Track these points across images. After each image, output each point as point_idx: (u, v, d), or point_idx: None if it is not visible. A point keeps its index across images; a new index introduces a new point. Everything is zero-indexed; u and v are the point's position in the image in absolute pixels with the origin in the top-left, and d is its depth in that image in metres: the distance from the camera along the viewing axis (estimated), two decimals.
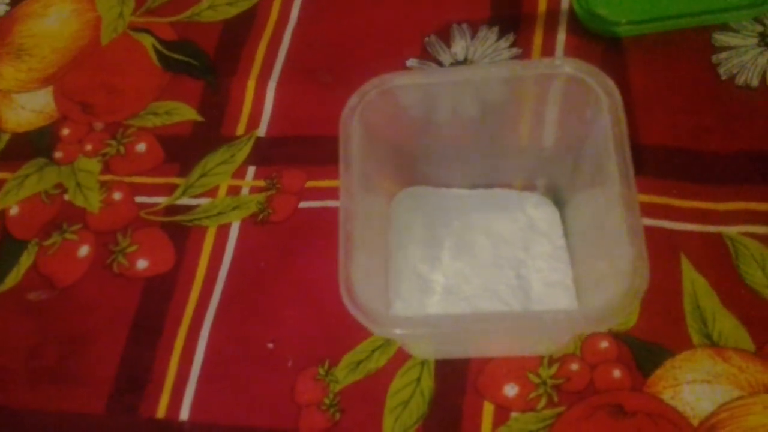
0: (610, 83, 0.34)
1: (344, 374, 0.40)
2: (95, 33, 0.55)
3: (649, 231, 0.36)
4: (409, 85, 0.36)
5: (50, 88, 0.54)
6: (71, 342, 0.44)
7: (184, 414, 0.41)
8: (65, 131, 0.51)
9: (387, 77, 0.36)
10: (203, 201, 0.47)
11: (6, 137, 0.52)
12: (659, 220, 0.41)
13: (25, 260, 0.47)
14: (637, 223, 0.31)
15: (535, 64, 0.37)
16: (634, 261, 0.30)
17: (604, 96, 0.33)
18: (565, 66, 0.34)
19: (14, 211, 0.49)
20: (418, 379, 0.39)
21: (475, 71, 0.37)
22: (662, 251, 0.40)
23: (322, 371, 0.40)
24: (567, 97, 0.36)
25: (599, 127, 0.34)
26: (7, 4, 0.59)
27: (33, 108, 0.53)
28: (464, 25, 0.50)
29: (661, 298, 0.39)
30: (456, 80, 0.36)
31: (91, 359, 0.43)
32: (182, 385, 0.41)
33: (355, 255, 0.32)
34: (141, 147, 0.49)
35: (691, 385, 0.37)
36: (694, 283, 0.39)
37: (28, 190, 0.49)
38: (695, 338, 0.38)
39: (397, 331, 0.31)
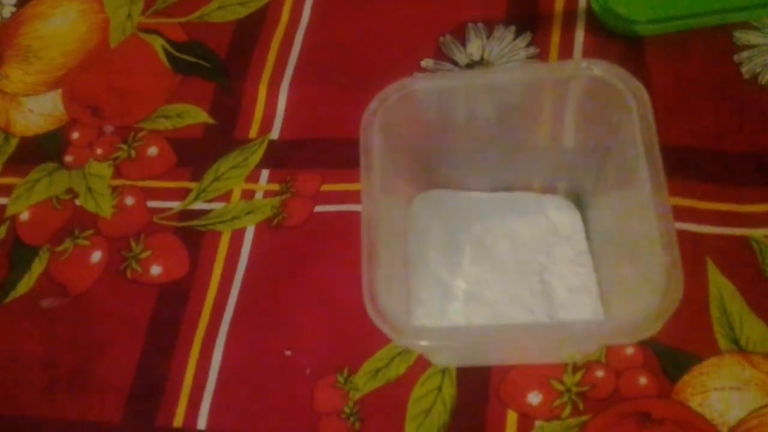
0: (640, 87, 0.33)
1: (363, 382, 0.40)
2: (104, 35, 0.54)
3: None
4: (429, 88, 0.35)
5: (59, 91, 0.53)
6: (86, 350, 0.43)
7: (202, 423, 0.40)
8: (75, 135, 0.51)
9: (407, 81, 0.35)
10: (217, 206, 0.46)
11: (15, 141, 0.51)
12: (684, 222, 0.40)
13: (37, 267, 0.46)
14: (671, 232, 0.30)
15: (562, 66, 0.36)
16: (667, 271, 0.29)
17: (633, 100, 0.32)
18: (593, 68, 0.33)
19: (25, 216, 0.48)
20: (440, 387, 0.39)
21: (498, 74, 0.36)
22: (688, 255, 0.38)
23: (341, 379, 0.40)
24: (591, 99, 0.35)
25: (626, 130, 0.33)
26: (14, 6, 0.58)
27: (42, 111, 0.52)
28: (480, 25, 0.49)
29: (688, 303, 0.37)
30: (478, 83, 0.35)
31: (106, 367, 0.42)
32: (199, 394, 0.41)
33: (379, 264, 0.31)
34: (152, 151, 0.49)
35: (720, 391, 0.36)
36: (720, 287, 0.39)
37: (39, 195, 0.49)
38: (723, 344, 0.38)
39: (423, 343, 0.30)
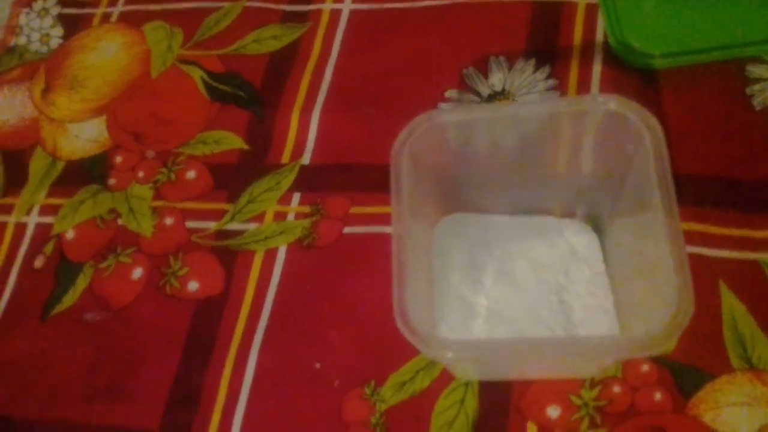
0: (654, 120, 0.35)
1: (390, 394, 0.41)
2: (145, 66, 0.58)
3: (688, 258, 0.37)
4: (454, 120, 0.38)
5: (103, 118, 0.56)
6: (126, 361, 0.45)
7: (235, 431, 0.42)
8: (118, 159, 0.53)
9: (434, 113, 0.38)
10: (251, 226, 0.49)
11: (61, 165, 0.54)
12: (698, 247, 0.42)
13: (81, 282, 0.49)
14: (682, 255, 0.32)
15: (579, 100, 0.39)
16: (679, 290, 0.31)
17: (647, 132, 0.34)
18: (609, 103, 0.35)
19: (70, 235, 0.51)
20: (462, 400, 0.41)
21: (519, 108, 0.39)
22: (701, 278, 0.41)
23: (368, 391, 0.42)
24: (607, 131, 0.38)
25: (640, 160, 0.36)
26: (60, 38, 0.61)
27: (87, 137, 0.55)
28: (501, 58, 0.52)
29: (701, 323, 0.40)
30: (500, 116, 0.38)
31: (144, 378, 0.45)
32: (233, 404, 0.43)
33: (408, 280, 0.33)
34: (191, 174, 0.52)
35: (732, 407, 0.38)
36: (732, 308, 0.40)
37: (84, 215, 0.51)
38: (735, 362, 0.39)
39: (449, 354, 0.32)
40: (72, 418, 0.44)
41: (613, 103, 0.36)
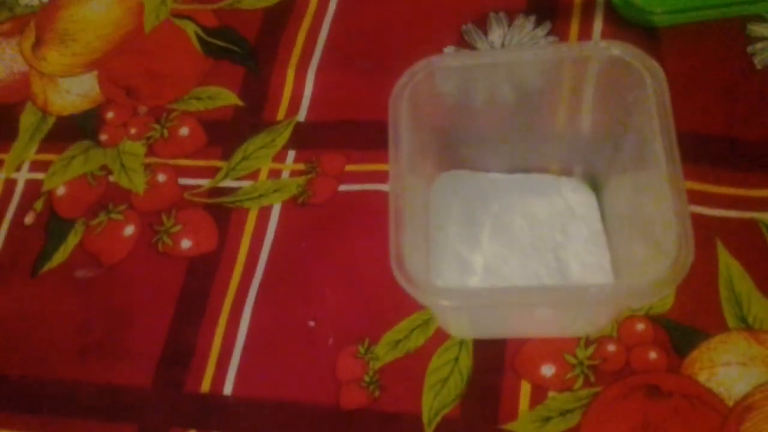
0: (656, 65, 0.34)
1: (384, 352, 0.41)
2: (138, 20, 0.57)
3: None
4: (456, 67, 0.37)
5: (95, 73, 0.55)
6: (118, 318, 0.45)
7: (228, 388, 0.42)
8: (110, 115, 0.53)
9: (435, 58, 0.37)
10: (245, 183, 0.48)
11: (52, 120, 0.53)
12: (695, 206, 0.42)
13: (72, 239, 0.48)
14: (683, 203, 0.32)
15: (581, 46, 0.38)
16: (679, 238, 0.31)
17: (649, 79, 0.34)
18: (611, 48, 0.35)
19: (61, 191, 0.50)
20: (457, 359, 0.40)
21: (521, 53, 0.38)
22: (698, 236, 0.40)
23: (362, 349, 0.42)
24: (608, 80, 0.37)
25: (642, 110, 0.35)
26: None
27: (78, 92, 0.54)
28: (501, 14, 0.51)
29: (697, 282, 0.39)
30: (501, 61, 0.37)
31: (137, 335, 0.44)
32: (226, 361, 0.43)
33: (405, 229, 0.33)
34: (184, 131, 0.51)
35: (727, 367, 0.38)
36: (729, 267, 0.40)
37: (74, 172, 0.51)
38: (730, 321, 0.39)
39: (445, 303, 0.32)
40: (63, 375, 0.44)
41: (616, 48, 0.35)
